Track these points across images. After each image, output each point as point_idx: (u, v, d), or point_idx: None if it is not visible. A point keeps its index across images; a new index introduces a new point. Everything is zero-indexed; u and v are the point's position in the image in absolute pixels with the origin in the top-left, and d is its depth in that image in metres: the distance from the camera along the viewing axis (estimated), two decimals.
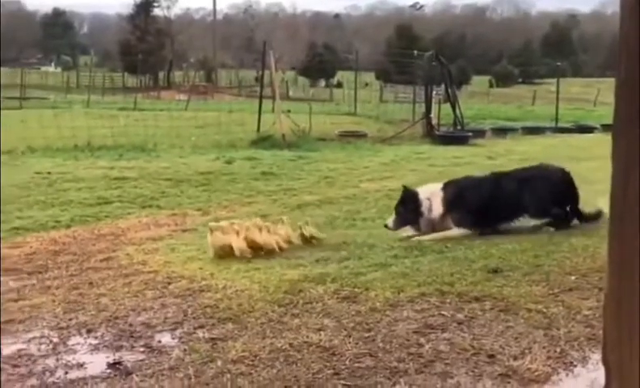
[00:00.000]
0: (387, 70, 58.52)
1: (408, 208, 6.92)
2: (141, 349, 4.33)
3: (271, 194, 10.65)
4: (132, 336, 4.55)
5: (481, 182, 7.11)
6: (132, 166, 13.34)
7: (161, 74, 72.82)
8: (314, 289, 5.22)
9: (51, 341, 4.56)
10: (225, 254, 6.51)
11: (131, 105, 34.14)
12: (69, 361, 4.22)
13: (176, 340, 4.45)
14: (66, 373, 4.06)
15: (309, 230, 7.01)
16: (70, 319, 4.95)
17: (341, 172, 13.07)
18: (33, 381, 3.98)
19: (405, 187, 7.20)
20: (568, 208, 7.11)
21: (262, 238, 6.66)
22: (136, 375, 3.94)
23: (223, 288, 5.44)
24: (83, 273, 6.36)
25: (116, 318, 4.93)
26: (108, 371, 4.04)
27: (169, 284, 5.74)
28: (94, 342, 4.51)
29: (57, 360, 4.25)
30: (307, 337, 4.28)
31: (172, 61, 74.61)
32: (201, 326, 4.63)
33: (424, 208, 6.86)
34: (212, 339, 4.39)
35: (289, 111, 21.50)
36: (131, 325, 4.77)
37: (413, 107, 24.20)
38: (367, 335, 4.30)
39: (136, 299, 5.37)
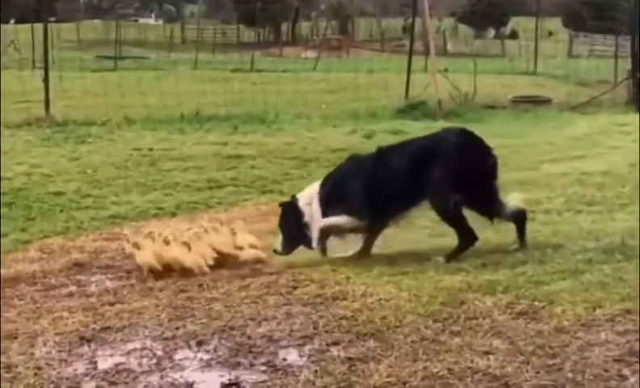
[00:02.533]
0: (579, 15, 56.57)
1: (290, 222, 6.80)
2: (263, 368, 4.50)
3: None
4: (251, 352, 4.73)
5: (361, 162, 6.85)
6: (249, 142, 13.76)
7: (284, 26, 74.26)
8: (480, 301, 5.21)
9: (154, 354, 4.82)
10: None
11: (247, 65, 35.20)
12: (175, 379, 4.45)
13: (305, 359, 4.58)
14: None
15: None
16: (177, 328, 5.22)
17: (515, 149, 12.83)
18: None
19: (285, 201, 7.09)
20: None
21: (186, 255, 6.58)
22: None
23: (362, 295, 5.53)
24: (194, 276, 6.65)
25: (232, 328, 5.14)
26: None
27: (294, 288, 5.92)
28: (206, 357, 4.73)
29: (162, 377, 4.50)
30: (471, 362, 4.28)
31: (298, 8, 75.86)
32: (335, 343, 4.74)
33: (307, 217, 6.73)
34: (350, 358, 4.48)
35: (447, 70, 21.36)
36: (250, 338, 4.95)
37: (615, 63, 23.31)
38: (551, 362, 4.25)
39: (256, 306, 5.57)
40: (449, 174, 6.41)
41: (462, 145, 6.63)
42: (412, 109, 18.13)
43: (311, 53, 48.16)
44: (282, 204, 7.07)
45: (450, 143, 6.63)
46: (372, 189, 6.60)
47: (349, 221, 6.64)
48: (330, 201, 6.71)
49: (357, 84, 21.04)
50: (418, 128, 15.20)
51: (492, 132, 14.66)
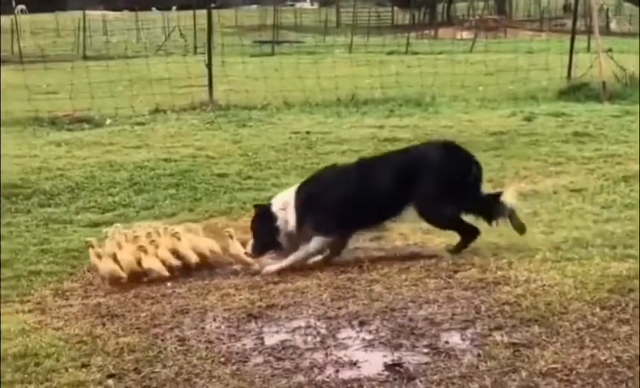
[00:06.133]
0: None
1: (264, 226, 6.68)
2: (425, 350, 4.58)
3: (586, 161, 10.39)
4: (413, 333, 4.83)
5: (341, 174, 6.88)
6: (406, 125, 13.78)
7: (439, 7, 73.56)
8: None
9: (318, 332, 4.99)
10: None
11: (402, 48, 35.10)
12: (339, 358, 4.60)
13: (468, 343, 4.62)
14: (337, 371, 4.43)
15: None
16: (339, 308, 5.37)
17: None
18: (300, 377, 4.40)
19: (259, 205, 7.08)
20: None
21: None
22: (420, 381, 4.18)
23: (525, 281, 5.51)
24: (352, 254, 6.78)
25: (393, 310, 5.25)
26: (386, 373, 4.34)
27: (455, 272, 5.96)
28: (368, 337, 4.85)
29: (326, 355, 4.65)
30: None
31: None
32: (498, 328, 4.76)
33: (280, 221, 6.61)
34: (514, 344, 4.49)
35: (611, 50, 20.58)
36: (411, 320, 5.04)
37: None
38: None
39: (416, 289, 5.65)
40: (438, 186, 6.49)
41: (447, 157, 6.68)
42: (575, 91, 17.58)
43: (467, 34, 47.45)
44: (256, 207, 7.08)
45: (435, 156, 6.69)
46: (351, 201, 6.59)
47: (322, 242, 6.56)
48: (307, 209, 6.65)
49: (516, 65, 20.65)
50: (581, 110, 14.82)
51: None
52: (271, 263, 6.56)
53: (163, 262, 6.41)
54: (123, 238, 6.60)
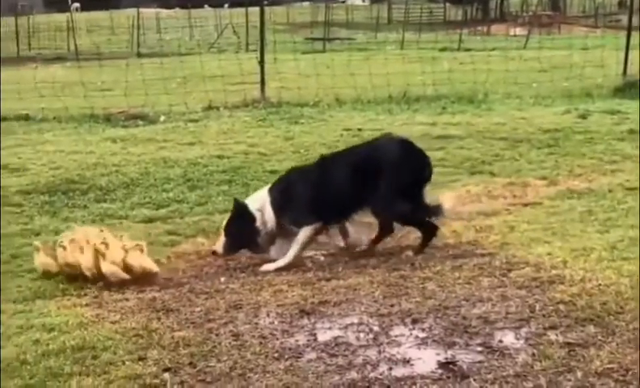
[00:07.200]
0: None
1: (241, 226, 6.84)
2: (479, 349, 4.57)
3: None
4: (466, 332, 4.82)
5: (306, 172, 7.14)
6: (458, 122, 13.70)
7: (492, 3, 72.97)
8: None
9: (371, 330, 5.00)
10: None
11: (455, 44, 34.90)
12: (392, 355, 4.61)
13: (522, 341, 4.61)
14: (390, 368, 4.44)
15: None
16: (392, 305, 5.38)
17: None
18: (353, 374, 4.42)
19: (236, 199, 7.18)
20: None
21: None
22: (474, 379, 4.17)
23: (581, 280, 5.47)
24: (402, 252, 6.79)
25: (446, 308, 5.24)
26: (439, 371, 4.35)
27: (509, 271, 5.93)
28: (422, 335, 4.86)
29: (379, 352, 4.67)
30: None
31: None
32: (553, 327, 4.73)
33: (259, 222, 6.81)
34: (569, 343, 4.47)
35: None
36: (465, 318, 5.04)
37: None
38: None
39: (469, 287, 5.64)
40: (393, 182, 6.68)
41: (403, 154, 6.85)
42: (630, 88, 17.32)
43: (520, 30, 47.02)
44: (235, 206, 7.09)
45: (392, 152, 6.85)
46: (319, 191, 6.83)
47: (312, 228, 6.76)
48: (283, 205, 6.85)
49: (570, 62, 20.39)
50: (636, 108, 14.59)
51: None
52: (269, 263, 6.68)
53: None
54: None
